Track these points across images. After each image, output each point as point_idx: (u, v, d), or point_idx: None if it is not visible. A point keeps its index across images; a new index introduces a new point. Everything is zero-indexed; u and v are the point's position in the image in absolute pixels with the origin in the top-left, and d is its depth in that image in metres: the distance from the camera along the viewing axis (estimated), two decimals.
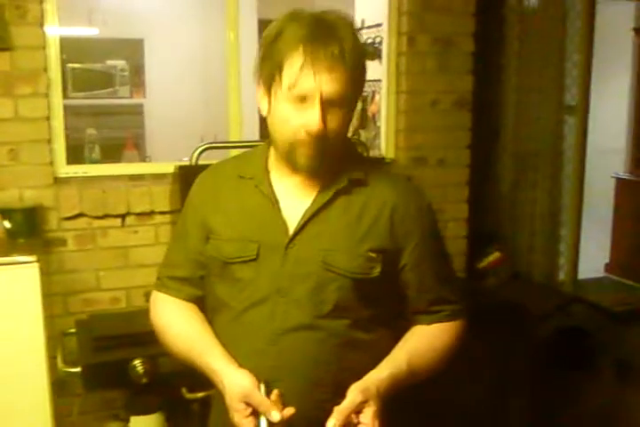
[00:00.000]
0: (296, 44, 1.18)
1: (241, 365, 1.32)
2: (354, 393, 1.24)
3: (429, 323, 1.41)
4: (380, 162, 1.55)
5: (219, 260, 1.37)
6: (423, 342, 1.39)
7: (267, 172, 1.36)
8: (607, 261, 4.98)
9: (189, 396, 2.34)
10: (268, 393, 1.26)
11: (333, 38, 1.18)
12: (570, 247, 3.85)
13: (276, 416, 1.21)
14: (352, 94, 1.24)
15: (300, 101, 1.21)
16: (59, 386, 2.47)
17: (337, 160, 1.32)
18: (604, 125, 4.47)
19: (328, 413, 1.25)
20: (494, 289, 3.23)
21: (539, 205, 3.66)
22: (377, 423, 1.22)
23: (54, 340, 2.49)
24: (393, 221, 1.33)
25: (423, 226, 1.38)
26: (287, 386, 1.29)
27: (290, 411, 1.23)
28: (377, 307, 1.36)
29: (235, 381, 1.26)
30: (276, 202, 1.33)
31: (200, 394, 2.31)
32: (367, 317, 1.34)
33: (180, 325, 1.42)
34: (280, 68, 1.20)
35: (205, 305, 1.45)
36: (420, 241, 1.36)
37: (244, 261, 1.33)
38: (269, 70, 1.23)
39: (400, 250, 1.35)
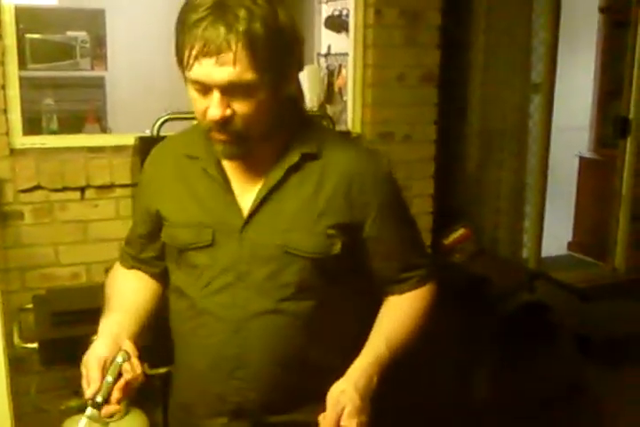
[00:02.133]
0: (190, 28, 1.09)
1: (195, 354, 1.32)
2: (330, 404, 1.20)
3: (401, 292, 1.38)
4: (336, 133, 1.45)
5: (173, 247, 1.33)
6: (398, 317, 1.36)
7: (213, 151, 1.26)
8: (570, 239, 5.03)
9: (150, 372, 2.28)
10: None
11: (228, 19, 1.07)
12: (534, 225, 3.89)
13: (88, 393, 1.16)
14: (262, 78, 1.11)
15: (201, 86, 1.13)
16: (16, 364, 2.42)
17: (285, 136, 1.26)
18: (568, 104, 4.49)
19: (297, 396, 1.27)
20: (460, 265, 3.24)
21: (504, 182, 3.68)
22: (354, 422, 1.19)
23: (10, 316, 2.43)
24: (350, 193, 1.27)
25: (383, 195, 1.32)
26: (253, 372, 1.28)
27: (120, 383, 1.18)
28: (342, 284, 1.33)
29: (92, 347, 1.23)
30: (227, 184, 1.27)
31: (162, 370, 2.27)
32: (333, 296, 1.31)
33: (116, 286, 1.41)
34: (179, 53, 1.12)
35: (167, 290, 1.42)
36: (380, 211, 1.31)
37: (199, 248, 1.28)
38: (176, 52, 1.15)
39: (361, 222, 1.30)
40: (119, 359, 1.20)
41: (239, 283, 1.26)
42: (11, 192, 2.60)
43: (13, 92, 2.59)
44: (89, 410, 1.16)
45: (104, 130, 4.22)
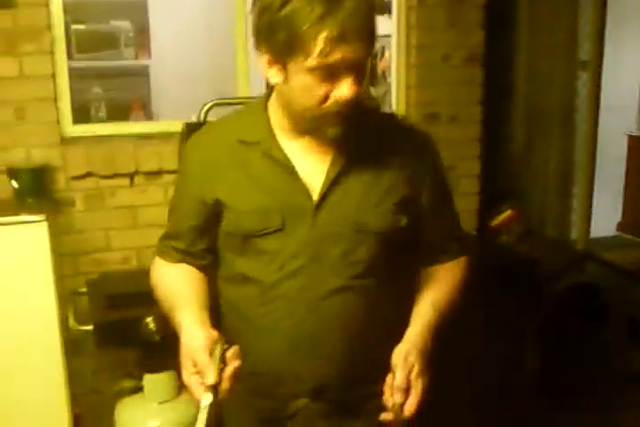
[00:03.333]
0: (314, 13, 1.10)
1: (280, 337, 1.33)
2: (399, 365, 1.28)
3: (444, 261, 1.46)
4: (383, 113, 1.58)
5: (238, 234, 1.32)
6: (440, 284, 1.44)
7: (273, 135, 1.30)
8: (619, 219, 4.94)
9: None
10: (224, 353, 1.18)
11: (361, 4, 1.14)
12: (582, 205, 3.82)
13: (209, 380, 1.13)
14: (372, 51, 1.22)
15: (328, 70, 1.15)
16: (71, 346, 2.48)
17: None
18: (616, 82, 4.39)
19: (372, 368, 1.31)
20: (507, 246, 3.21)
21: (551, 162, 3.62)
22: (420, 382, 1.28)
23: (65, 300, 2.49)
24: (408, 169, 1.34)
25: (435, 169, 1.41)
26: (331, 350, 1.31)
27: (229, 371, 1.16)
28: (401, 261, 1.39)
29: (189, 337, 1.21)
30: (292, 167, 1.29)
31: None
32: (396, 269, 1.38)
33: (170, 281, 1.39)
34: (301, 39, 1.12)
35: (218, 278, 1.42)
36: (433, 184, 1.39)
37: (269, 233, 1.29)
38: (284, 41, 1.14)
39: (418, 195, 1.37)
40: (219, 348, 1.18)
41: (313, 264, 1.29)
42: (62, 179, 2.67)
43: (62, 81, 2.65)
44: (209, 397, 1.13)
45: (149, 117, 4.26)
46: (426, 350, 1.32)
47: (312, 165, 1.29)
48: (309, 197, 1.28)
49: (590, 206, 3.84)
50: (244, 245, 1.32)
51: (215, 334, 1.21)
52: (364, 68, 1.20)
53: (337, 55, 1.13)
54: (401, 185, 1.33)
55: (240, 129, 1.33)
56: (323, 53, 1.12)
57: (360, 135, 1.30)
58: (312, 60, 1.14)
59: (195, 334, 1.20)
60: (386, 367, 1.30)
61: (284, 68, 1.19)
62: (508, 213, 3.35)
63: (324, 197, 1.28)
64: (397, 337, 1.34)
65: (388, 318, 1.38)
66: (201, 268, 1.42)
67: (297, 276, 1.29)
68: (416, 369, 1.27)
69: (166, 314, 1.36)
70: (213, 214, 1.34)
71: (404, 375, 1.26)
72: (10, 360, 2.37)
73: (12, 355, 2.37)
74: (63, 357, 2.43)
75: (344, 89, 1.17)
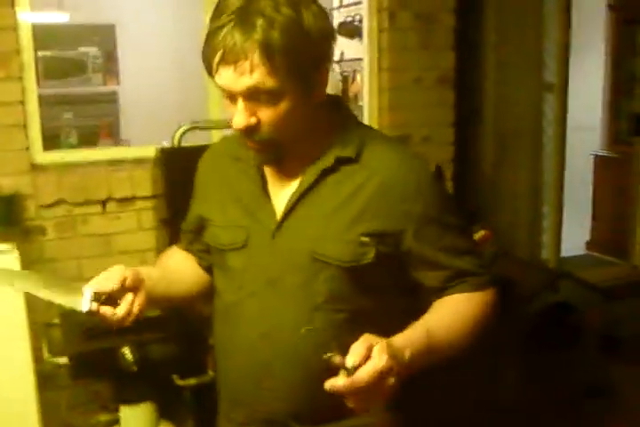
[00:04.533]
0: (213, 35, 1.08)
1: (229, 359, 1.31)
2: (360, 343, 1.04)
3: (452, 294, 1.26)
4: (381, 135, 1.33)
5: (214, 248, 1.32)
6: (445, 310, 1.23)
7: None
8: (588, 238, 5.01)
9: (181, 383, 2.29)
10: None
11: (246, 27, 1.05)
12: (552, 225, 3.87)
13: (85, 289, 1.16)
14: (284, 85, 1.08)
15: (227, 93, 1.12)
16: (44, 380, 2.42)
17: (323, 139, 1.22)
18: (579, 102, 4.48)
19: (327, 409, 1.19)
20: None
21: (521, 183, 3.66)
22: (384, 357, 1.01)
23: (37, 332, 2.42)
24: (389, 200, 1.19)
25: (425, 204, 1.21)
26: (280, 383, 1.24)
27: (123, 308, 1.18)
28: (380, 297, 1.26)
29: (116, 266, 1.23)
30: (265, 186, 1.25)
31: (192, 381, 2.27)
32: (369, 309, 1.24)
33: (163, 257, 1.46)
34: (205, 59, 1.11)
35: None
36: (422, 221, 1.21)
37: (235, 249, 1.26)
38: (202, 59, 1.13)
39: (399, 232, 1.20)
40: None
41: (269, 289, 1.23)
42: (33, 207, 2.61)
43: (32, 107, 2.61)
44: (90, 305, 1.16)
45: (118, 144, 4.23)
46: (401, 354, 1.06)
47: (283, 187, 1.25)
48: (274, 218, 1.23)
49: (560, 226, 3.90)
50: (219, 259, 1.32)
51: (142, 276, 1.21)
52: (275, 96, 1.09)
53: (222, 78, 1.09)
54: (376, 216, 1.19)
55: (234, 145, 1.30)
56: (214, 74, 1.10)
57: (337, 158, 1.21)
58: (214, 80, 1.12)
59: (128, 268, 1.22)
60: (347, 414, 1.12)
61: None
62: (480, 233, 3.37)
63: (283, 220, 1.22)
64: None
65: None
66: (201, 267, 1.43)
67: (253, 298, 1.25)
68: (379, 346, 1.02)
69: None
70: (203, 225, 1.35)
71: (364, 347, 1.02)
72: None
73: None
74: (36, 391, 2.36)
75: (235, 117, 1.12)
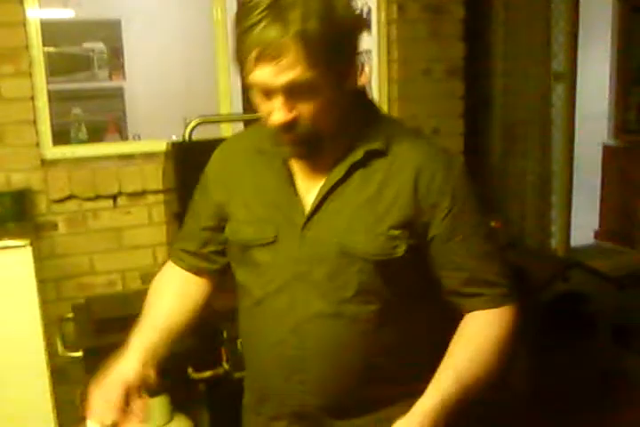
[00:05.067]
0: (246, 33, 1.07)
1: (258, 353, 1.31)
2: None
3: (470, 309, 1.25)
4: (407, 128, 1.32)
5: (237, 244, 1.30)
6: (470, 344, 1.22)
7: (280, 147, 1.23)
8: (596, 227, 4.99)
9: (195, 376, 2.29)
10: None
11: (282, 21, 1.04)
12: (561, 214, 3.86)
13: (106, 418, 1.19)
14: (323, 76, 1.08)
15: (263, 90, 1.11)
16: (59, 374, 2.42)
17: (352, 133, 1.21)
18: (588, 92, 4.46)
19: (358, 403, 1.23)
20: None
21: (529, 173, 3.65)
22: None
23: (50, 326, 2.43)
24: (418, 192, 1.19)
25: (453, 195, 1.20)
26: (312, 377, 1.24)
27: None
28: (411, 291, 1.25)
29: (123, 365, 1.26)
30: (292, 180, 1.24)
31: (206, 374, 2.27)
32: (400, 302, 1.24)
33: (156, 287, 1.41)
34: (239, 58, 1.11)
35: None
36: (449, 212, 1.20)
37: (263, 245, 1.25)
38: (235, 57, 1.13)
39: (427, 223, 1.20)
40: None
41: (298, 283, 1.23)
42: (44, 203, 2.62)
43: (42, 103, 2.61)
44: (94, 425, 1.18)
45: (125, 139, 4.23)
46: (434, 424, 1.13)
47: (312, 181, 1.24)
48: (302, 212, 1.22)
49: (569, 215, 3.89)
50: (242, 255, 1.30)
51: (147, 375, 1.25)
52: (312, 90, 1.09)
53: (261, 75, 1.08)
54: (405, 209, 1.19)
55: (259, 138, 1.28)
56: (250, 72, 1.09)
57: (367, 152, 1.20)
58: (249, 78, 1.11)
59: (128, 365, 1.25)
60: (378, 406, 1.23)
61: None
62: (491, 224, 3.37)
63: (312, 214, 1.22)
64: (401, 379, 1.25)
65: (397, 356, 1.26)
66: (212, 274, 1.41)
67: (282, 292, 1.24)
68: None
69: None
70: (223, 219, 1.34)
71: None
72: None
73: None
74: (51, 385, 2.37)
75: (275, 113, 1.12)
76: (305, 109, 1.12)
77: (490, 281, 1.24)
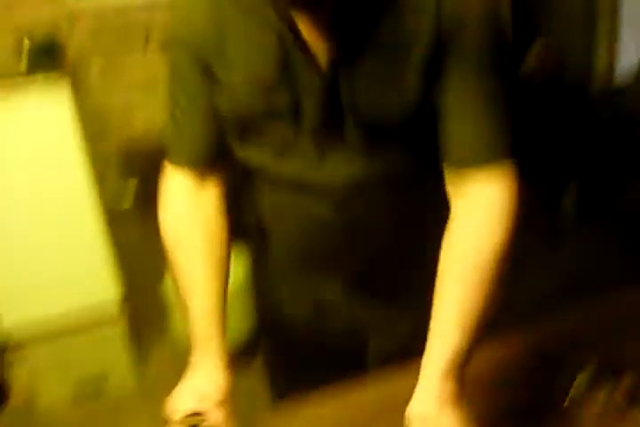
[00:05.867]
0: None
1: (299, 226, 1.19)
2: None
3: (459, 166, 1.05)
4: None
5: (241, 117, 1.10)
6: (467, 280, 1.01)
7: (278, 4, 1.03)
8: None
9: None
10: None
11: None
12: (607, 35, 3.66)
13: None
14: None
15: None
16: (113, 217, 2.43)
17: None
18: None
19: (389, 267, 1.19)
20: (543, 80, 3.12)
21: None
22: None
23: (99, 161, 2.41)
24: (440, 23, 1.01)
25: (473, 31, 1.02)
26: (365, 247, 1.18)
27: None
28: (421, 154, 1.11)
29: (177, 398, 1.10)
30: (300, 39, 1.03)
31: None
32: (417, 163, 1.12)
33: (183, 254, 1.18)
34: None
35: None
36: (463, 46, 1.02)
37: (276, 115, 1.07)
38: None
39: (444, 52, 1.02)
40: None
41: (329, 152, 1.09)
42: (72, 55, 2.58)
43: None
44: None
45: None
46: (451, 398, 0.97)
47: (321, 37, 1.04)
48: (320, 73, 1.04)
49: (616, 36, 3.68)
50: (247, 130, 1.11)
51: (221, 390, 1.11)
52: None
53: None
54: (427, 52, 1.02)
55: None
56: None
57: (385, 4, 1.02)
58: None
59: (183, 394, 1.10)
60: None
61: None
62: (537, 48, 3.26)
63: (332, 73, 1.04)
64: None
65: (413, 215, 1.17)
66: (223, 178, 1.22)
67: (313, 166, 1.11)
68: None
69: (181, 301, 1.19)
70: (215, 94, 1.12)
71: None
72: (51, 235, 2.34)
73: (53, 227, 2.33)
74: (105, 225, 2.39)
75: None
76: None
77: (492, 135, 1.06)
